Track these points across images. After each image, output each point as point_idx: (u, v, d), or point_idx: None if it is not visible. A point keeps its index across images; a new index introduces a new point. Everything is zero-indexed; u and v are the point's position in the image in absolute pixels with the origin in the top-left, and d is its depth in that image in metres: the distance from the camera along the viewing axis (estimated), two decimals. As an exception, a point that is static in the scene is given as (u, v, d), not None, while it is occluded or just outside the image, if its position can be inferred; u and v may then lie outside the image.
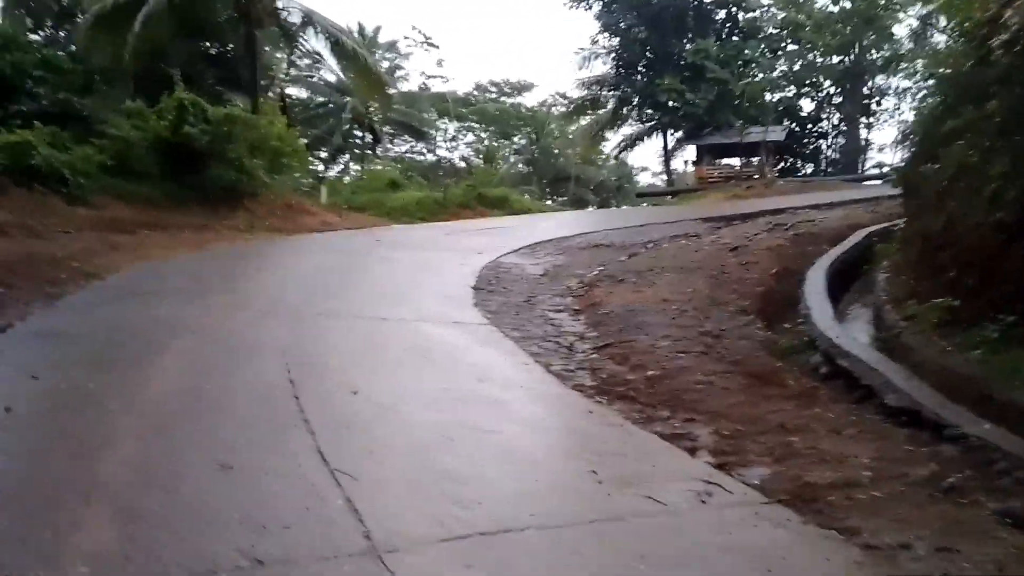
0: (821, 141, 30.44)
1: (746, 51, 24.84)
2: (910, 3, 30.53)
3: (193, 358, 5.00)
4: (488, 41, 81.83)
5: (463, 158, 50.59)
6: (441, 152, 50.58)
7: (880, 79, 29.31)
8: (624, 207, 34.86)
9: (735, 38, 25.00)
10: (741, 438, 4.33)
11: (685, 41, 24.17)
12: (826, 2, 30.36)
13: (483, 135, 52.70)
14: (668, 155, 29.43)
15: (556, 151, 53.93)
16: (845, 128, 28.97)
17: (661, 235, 12.79)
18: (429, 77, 43.83)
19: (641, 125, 29.53)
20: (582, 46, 27.93)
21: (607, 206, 57.69)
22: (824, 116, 31.14)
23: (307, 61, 37.70)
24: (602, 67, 28.00)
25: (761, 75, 26.33)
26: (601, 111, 30.84)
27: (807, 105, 30.67)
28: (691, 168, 35.70)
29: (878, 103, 30.81)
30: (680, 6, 24.53)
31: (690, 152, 33.71)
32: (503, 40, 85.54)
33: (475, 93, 54.00)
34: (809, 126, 29.62)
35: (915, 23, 30.82)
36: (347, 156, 44.64)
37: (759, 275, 9.65)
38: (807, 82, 30.18)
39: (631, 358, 5.84)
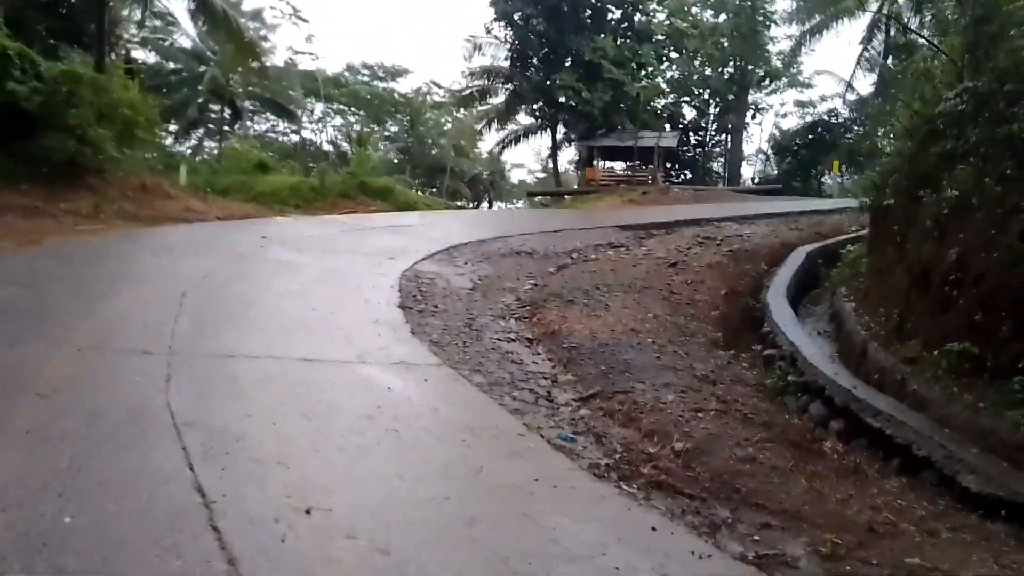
0: (699, 150, 30.94)
1: (640, 53, 24.51)
2: (786, 22, 31.89)
3: (29, 447, 3.20)
4: (361, 22, 78.23)
5: (331, 141, 47.68)
6: (307, 134, 47.37)
7: (760, 94, 30.20)
8: (520, 206, 33.93)
9: (628, 40, 24.58)
10: (846, 557, 3.23)
11: (582, 38, 23.40)
12: (710, 14, 30.96)
13: (353, 119, 50.08)
14: (555, 153, 28.70)
15: (430, 141, 52.31)
16: (730, 139, 29.62)
17: (583, 243, 11.74)
18: (297, 53, 40.60)
19: (533, 120, 28.56)
20: (473, 34, 26.59)
21: (481, 201, 56.78)
22: (704, 125, 31.69)
23: (157, 22, 33.71)
24: (493, 57, 26.81)
25: (657, 79, 26.22)
26: (490, 103, 29.57)
27: (688, 114, 31.08)
28: (571, 168, 35.35)
29: (753, 116, 31.83)
30: (576, 1, 23.71)
31: (571, 153, 33.28)
32: (377, 22, 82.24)
33: (346, 74, 51.16)
34: (691, 134, 29.99)
35: (790, 43, 32.27)
36: (201, 131, 40.65)
37: (709, 296, 8.82)
38: (691, 91, 30.53)
39: (639, 418, 4.62)
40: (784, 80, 30.94)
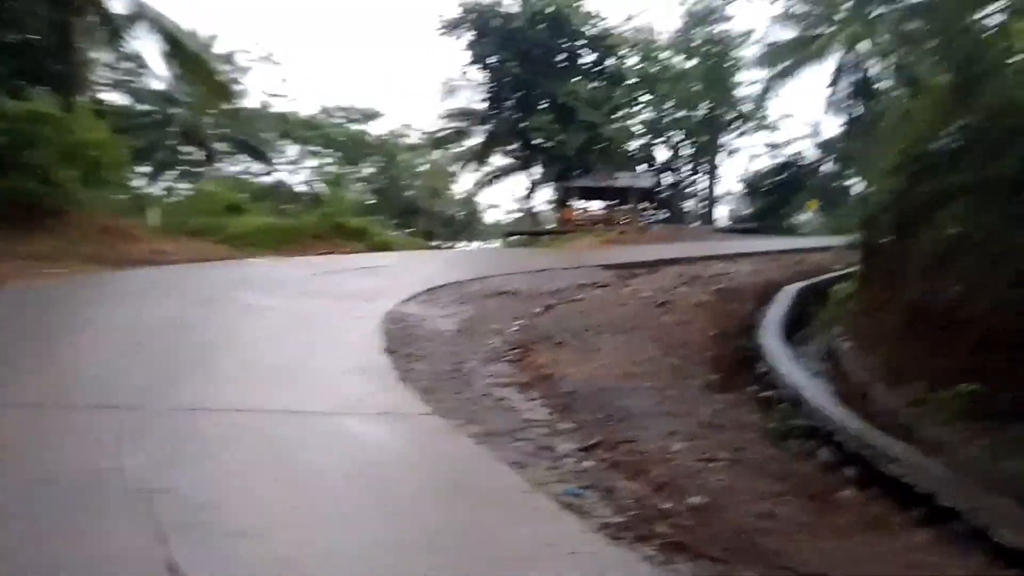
0: (674, 190, 31.20)
1: (613, 96, 24.79)
2: (753, 66, 32.59)
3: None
4: (334, 65, 78.71)
5: (305, 183, 47.43)
6: (281, 175, 47.07)
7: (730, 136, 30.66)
8: (496, 246, 33.70)
9: (602, 83, 24.84)
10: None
11: (556, 81, 23.61)
12: (681, 58, 31.54)
13: (327, 160, 50.00)
14: (531, 194, 28.77)
15: (405, 182, 52.34)
16: (705, 179, 29.99)
17: (567, 283, 11.49)
18: (270, 95, 40.45)
19: (510, 161, 28.59)
20: (449, 76, 26.72)
21: (456, 241, 56.64)
22: (675, 166, 32.02)
23: (128, 64, 33.42)
24: (468, 100, 26.91)
25: (629, 121, 26.47)
26: (465, 144, 29.59)
27: (661, 155, 31.43)
28: (546, 207, 35.42)
29: (724, 158, 32.25)
30: (550, 45, 23.98)
31: (547, 192, 33.37)
32: (350, 66, 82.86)
33: (320, 116, 51.20)
34: (666, 175, 30.29)
35: (758, 87, 32.93)
36: (174, 173, 40.17)
37: (700, 337, 8.56)
38: (662, 133, 30.90)
39: (648, 469, 4.29)
40: (752, 123, 31.48)
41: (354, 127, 51.21)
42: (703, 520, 3.73)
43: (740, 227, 25.38)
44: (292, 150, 48.26)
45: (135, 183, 31.72)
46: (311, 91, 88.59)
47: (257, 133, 40.21)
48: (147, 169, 34.31)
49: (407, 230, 46.90)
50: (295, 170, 49.72)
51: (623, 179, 24.30)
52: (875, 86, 30.40)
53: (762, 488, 4.17)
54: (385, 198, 51.07)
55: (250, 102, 39.71)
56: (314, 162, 49.71)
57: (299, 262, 13.37)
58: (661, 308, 9.49)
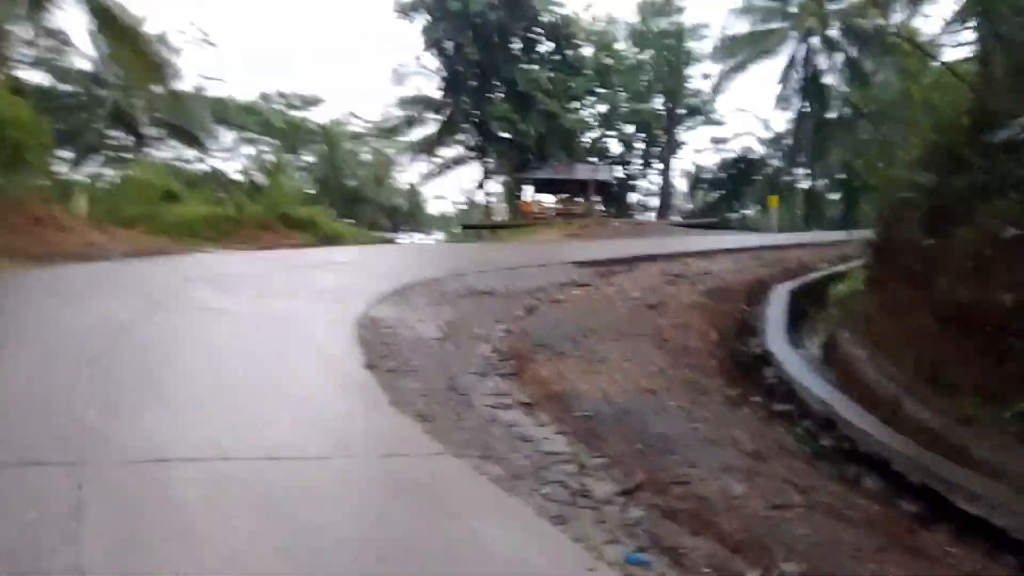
0: (627, 183, 30.84)
1: (572, 86, 24.13)
2: (707, 60, 32.47)
3: None
4: (274, 50, 75.88)
5: (243, 170, 45.41)
6: (216, 162, 44.91)
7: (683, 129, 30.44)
8: (446, 240, 32.72)
9: (561, 72, 24.14)
10: None
11: (515, 69, 22.79)
12: (636, 50, 31.14)
13: (266, 148, 48.06)
14: (482, 185, 27.90)
15: (347, 172, 50.91)
16: (660, 172, 29.69)
17: (544, 281, 10.76)
18: (205, 79, 38.32)
19: (463, 151, 27.65)
20: (402, 62, 25.55)
21: (399, 231, 55.39)
22: (629, 159, 31.68)
23: (51, 42, 31.06)
24: (418, 89, 25.81)
25: (587, 112, 25.91)
26: (416, 133, 28.52)
27: (615, 148, 31.01)
28: (498, 199, 34.57)
29: (675, 151, 32.04)
30: (509, 30, 23.09)
31: (499, 184, 32.59)
32: (291, 51, 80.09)
33: (259, 102, 49.17)
34: (620, 167, 29.87)
35: (712, 81, 32.84)
36: (100, 159, 37.77)
37: (701, 342, 7.99)
38: (616, 125, 30.47)
39: (714, 521, 3.61)
40: (705, 117, 31.38)
41: (294, 113, 49.41)
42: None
43: (701, 222, 25.17)
44: (228, 136, 46.22)
45: (57, 168, 29.59)
46: (249, 75, 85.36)
47: (191, 117, 38.09)
48: (70, 154, 32.05)
49: (349, 220, 45.48)
50: (231, 157, 47.64)
51: (582, 171, 23.71)
52: (823, 81, 30.69)
53: (852, 541, 3.54)
54: (327, 187, 49.51)
55: (184, 85, 37.58)
56: (251, 149, 47.74)
57: (251, 256, 12.26)
58: (654, 310, 8.87)
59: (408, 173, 42.45)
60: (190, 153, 42.75)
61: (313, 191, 46.81)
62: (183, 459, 3.40)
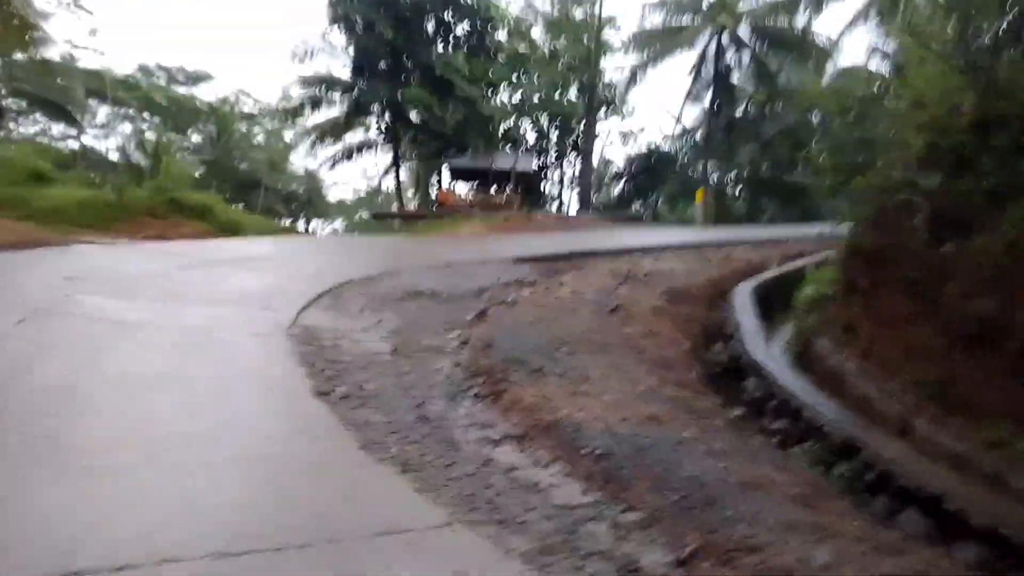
0: (543, 174, 30.30)
1: (491, 72, 23.15)
2: (621, 51, 32.32)
3: None
4: (157, 21, 70.35)
5: (119, 149, 41.70)
6: (88, 140, 41.07)
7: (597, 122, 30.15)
8: (350, 229, 30.98)
9: (479, 57, 23.11)
10: None
11: (431, 51, 21.56)
12: (548, 38, 30.54)
13: (145, 126, 44.48)
14: (398, 173, 26.42)
15: (238, 155, 48.10)
16: (578, 164, 29.22)
17: (486, 280, 9.86)
18: (77, 47, 34.72)
19: (371, 136, 26.06)
20: (304, 38, 23.62)
21: (297, 219, 52.86)
22: (541, 150, 31.12)
23: None
24: (327, 65, 24.01)
25: (502, 99, 25.01)
26: (320, 115, 26.65)
27: (530, 138, 30.34)
28: (407, 188, 33.18)
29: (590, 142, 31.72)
30: (425, 9, 21.78)
31: (407, 172, 31.25)
32: (176, 23, 74.62)
33: (138, 75, 45.41)
34: (535, 158, 29.22)
35: (625, 73, 32.73)
36: (-49, 134, 33.63)
37: (674, 352, 7.34)
38: (531, 114, 29.81)
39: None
40: (619, 109, 31.25)
41: (180, 90, 45.99)
42: None
43: (624, 216, 24.90)
44: (103, 112, 42.41)
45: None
46: (128, 46, 78.95)
47: (61, 90, 34.31)
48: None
49: (240, 205, 42.77)
50: (106, 135, 43.79)
51: (504, 161, 22.83)
52: (732, 80, 31.21)
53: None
54: (216, 171, 46.48)
55: (53, 53, 33.80)
56: (129, 127, 44.07)
57: (143, 248, 10.64)
58: (616, 316, 8.14)
59: (307, 158, 40.34)
60: (57, 129, 38.78)
61: (199, 175, 43.71)
62: (106, 570, 2.29)
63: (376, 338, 6.69)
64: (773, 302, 9.18)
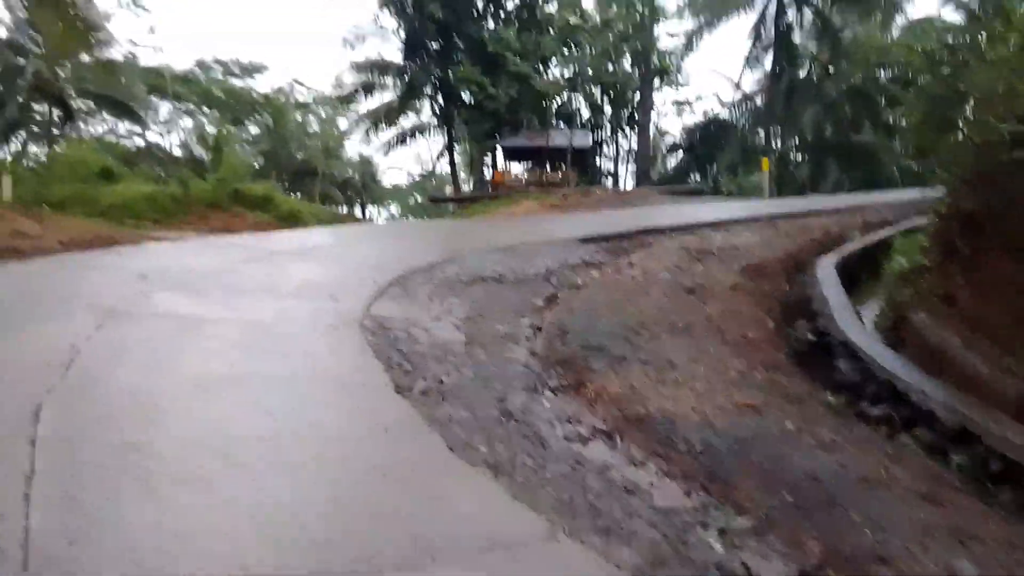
0: (599, 149, 29.68)
1: (541, 45, 22.64)
2: (675, 18, 31.33)
3: None
4: (212, 16, 71.67)
5: (182, 144, 42.70)
6: (152, 136, 42.14)
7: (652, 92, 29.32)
8: (394, 212, 31.02)
9: (529, 31, 22.61)
10: None
11: (481, 27, 21.17)
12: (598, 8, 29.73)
13: (205, 120, 45.45)
14: (452, 155, 26.24)
15: (294, 144, 48.81)
16: (636, 137, 28.55)
17: (552, 262, 9.59)
18: (137, 45, 35.51)
19: (425, 119, 25.95)
20: (355, 24, 23.50)
21: (353, 205, 53.42)
22: (600, 123, 30.48)
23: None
24: (379, 50, 23.87)
25: (555, 73, 24.50)
26: (373, 100, 26.61)
27: (584, 112, 29.72)
28: (461, 170, 33.01)
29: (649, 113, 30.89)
30: (470, -16, 21.44)
31: (462, 154, 31.05)
32: (229, 17, 75.95)
33: (196, 71, 46.40)
34: (589, 133, 28.64)
35: (681, 38, 31.73)
36: (23, 135, 34.93)
37: (760, 333, 6.96)
38: (585, 88, 29.18)
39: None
40: (674, 78, 30.31)
41: (235, 83, 46.82)
42: None
43: (684, 189, 24.22)
44: (164, 108, 43.47)
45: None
46: (185, 42, 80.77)
47: (124, 88, 35.19)
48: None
49: (297, 194, 43.42)
50: (168, 130, 44.91)
51: (559, 138, 22.37)
52: (792, 39, 29.91)
53: None
54: (274, 161, 47.30)
55: (114, 53, 34.65)
56: (190, 122, 45.13)
57: (208, 242, 10.71)
58: (694, 296, 7.79)
59: (361, 143, 40.60)
60: (123, 127, 39.92)
61: (258, 165, 44.55)
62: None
63: (448, 327, 6.51)
64: (858, 276, 8.66)
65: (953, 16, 29.09)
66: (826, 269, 8.35)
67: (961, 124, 6.59)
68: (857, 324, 6.69)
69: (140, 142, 39.10)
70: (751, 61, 30.22)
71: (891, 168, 28.84)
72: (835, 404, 5.29)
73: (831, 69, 30.08)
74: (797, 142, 30.63)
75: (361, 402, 4.23)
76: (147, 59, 36.49)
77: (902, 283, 7.51)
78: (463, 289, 8.18)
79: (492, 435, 4.09)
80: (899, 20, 29.25)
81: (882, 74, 28.98)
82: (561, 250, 10.50)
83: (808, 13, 29.27)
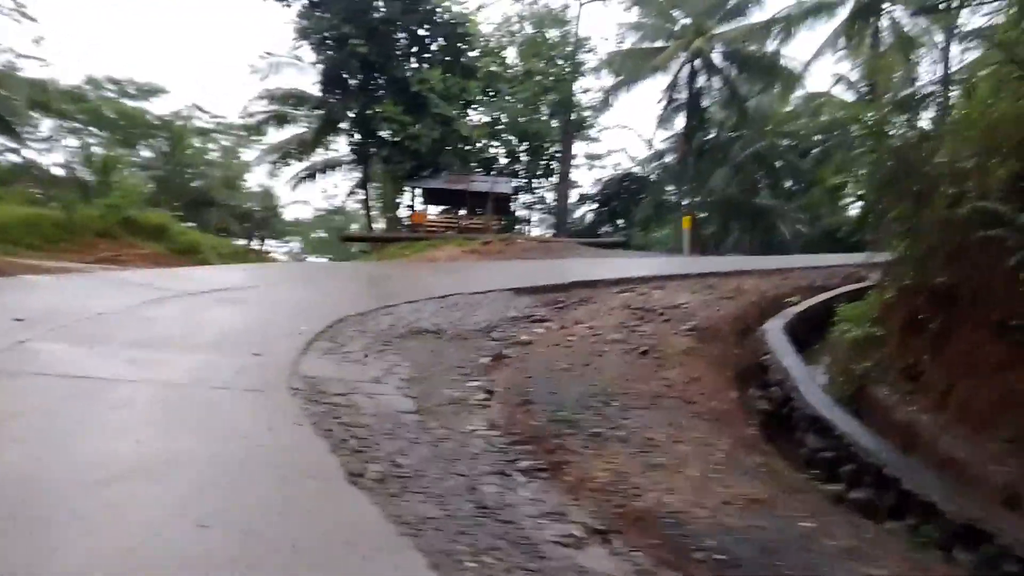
0: (515, 197, 29.51)
1: (465, 90, 22.29)
2: (594, 74, 31.90)
3: None
4: (108, 33, 67.75)
5: (64, 164, 39.52)
6: (29, 154, 38.79)
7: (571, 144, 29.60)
8: (306, 251, 29.51)
9: (454, 74, 22.20)
10: None
11: (405, 67, 20.59)
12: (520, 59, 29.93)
13: (92, 140, 42.41)
14: (366, 191, 25.26)
15: (191, 171, 46.28)
16: (556, 187, 28.49)
17: (491, 315, 9.00)
18: (20, 56, 32.73)
19: (343, 154, 24.86)
20: (270, 51, 22.38)
21: (252, 238, 51.00)
22: (513, 172, 30.39)
23: None
24: (295, 81, 22.78)
25: (483, 119, 24.12)
26: (286, 130, 25.35)
27: (502, 159, 29.54)
28: (374, 209, 31.97)
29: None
30: (399, 23, 20.77)
31: (375, 191, 30.12)
32: (127, 36, 72.18)
33: (86, 87, 43.37)
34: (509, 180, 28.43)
35: (598, 95, 32.29)
36: None
37: (726, 404, 6.54)
38: (502, 136, 29.08)
39: None
40: (591, 132, 30.76)
41: (130, 103, 44.10)
42: None
43: (606, 241, 24.20)
44: (46, 124, 40.22)
45: None
46: (75, 57, 75.87)
47: (3, 100, 32.21)
48: None
49: (191, 224, 40.95)
50: (49, 149, 41.56)
51: (481, 183, 21.89)
52: (703, 104, 31.07)
53: None
54: (167, 187, 44.58)
55: (-9, 63, 31.71)
56: (75, 141, 41.97)
57: (105, 278, 9.40)
58: (648, 358, 7.32)
59: (268, 176, 38.88)
60: (-1, 142, 36.55)
61: (150, 192, 41.83)
62: None
63: (392, 390, 5.73)
64: (804, 341, 8.48)
65: (845, 94, 31.24)
66: (775, 334, 8.11)
67: (929, 198, 6.50)
68: (824, 397, 6.38)
69: (16, 159, 35.87)
70: (663, 121, 31.14)
71: (785, 232, 30.26)
72: (830, 493, 4.87)
73: (737, 133, 31.43)
74: (703, 201, 31.60)
75: (312, 500, 3.40)
76: (31, 71, 33.60)
77: (856, 354, 7.32)
78: (400, 344, 7.40)
79: (476, 542, 3.35)
80: (799, 92, 30.97)
81: (784, 143, 30.53)
82: (497, 301, 9.89)
83: (717, 80, 30.52)
